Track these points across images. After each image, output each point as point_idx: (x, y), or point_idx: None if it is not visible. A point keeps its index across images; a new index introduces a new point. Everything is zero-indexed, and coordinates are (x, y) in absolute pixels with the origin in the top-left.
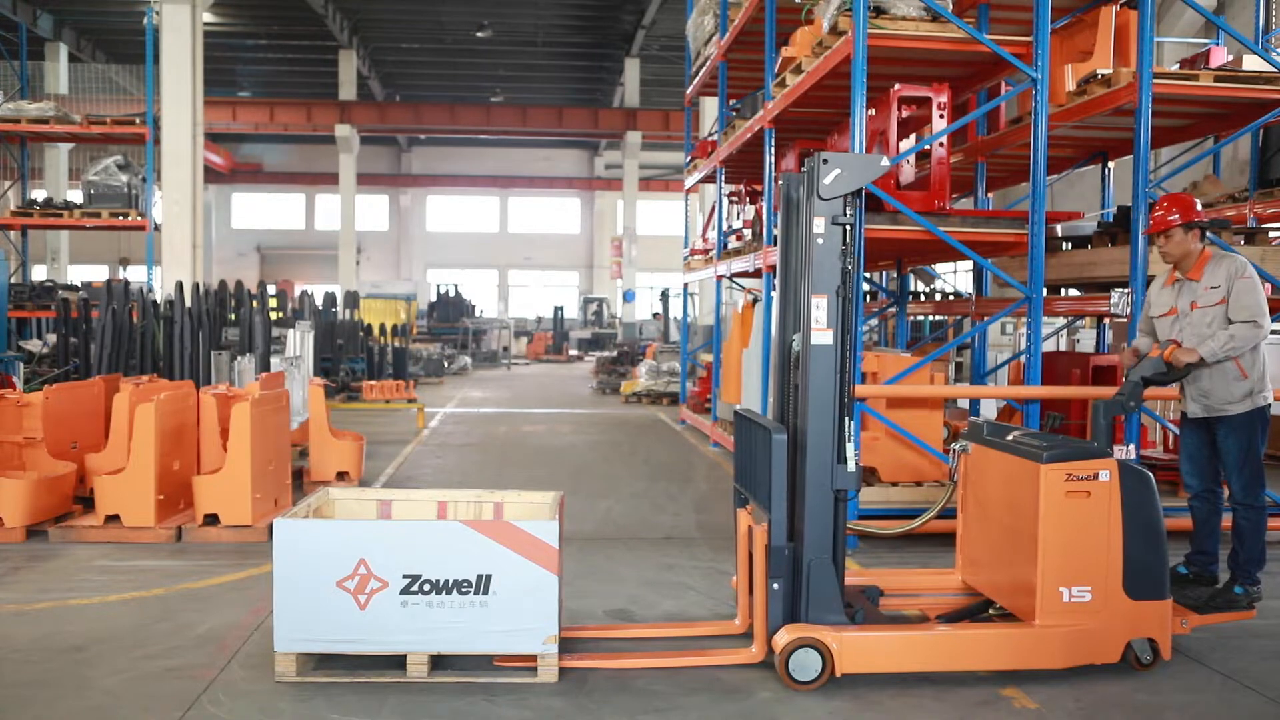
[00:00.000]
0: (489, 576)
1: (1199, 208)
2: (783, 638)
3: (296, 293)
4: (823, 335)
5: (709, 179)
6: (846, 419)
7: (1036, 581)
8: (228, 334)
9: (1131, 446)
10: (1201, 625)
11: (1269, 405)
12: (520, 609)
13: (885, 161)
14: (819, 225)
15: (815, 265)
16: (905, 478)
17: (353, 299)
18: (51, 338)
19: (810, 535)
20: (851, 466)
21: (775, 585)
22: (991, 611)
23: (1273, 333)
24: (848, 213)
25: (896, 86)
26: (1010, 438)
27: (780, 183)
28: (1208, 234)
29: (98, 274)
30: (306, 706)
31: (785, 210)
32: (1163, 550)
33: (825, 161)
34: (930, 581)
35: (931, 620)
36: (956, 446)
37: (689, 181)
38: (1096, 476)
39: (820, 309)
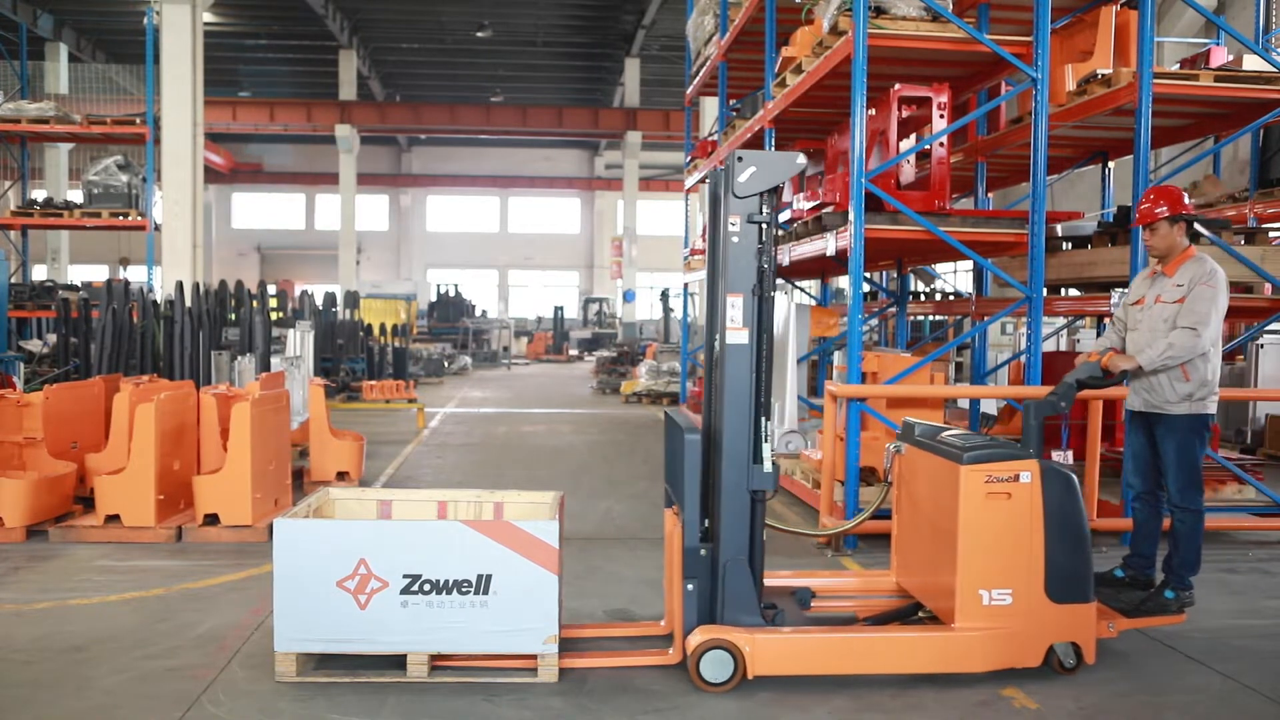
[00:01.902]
0: (489, 576)
1: (1186, 201)
2: (694, 639)
3: (296, 293)
4: (738, 335)
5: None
6: (763, 419)
7: (956, 583)
8: (228, 334)
9: (1069, 452)
10: (1129, 629)
11: (1210, 415)
12: (520, 609)
13: (801, 159)
14: (734, 223)
15: (731, 264)
16: None
17: (353, 299)
18: (51, 338)
19: (726, 536)
20: (768, 467)
21: (690, 586)
22: (921, 614)
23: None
24: (764, 211)
25: (896, 86)
26: (939, 438)
27: (708, 181)
28: (1208, 236)
29: (98, 274)
30: (306, 706)
31: (711, 208)
32: (1086, 553)
33: (740, 159)
34: (865, 584)
35: (859, 622)
36: (891, 447)
37: (689, 181)
38: (1017, 478)
39: (736, 308)
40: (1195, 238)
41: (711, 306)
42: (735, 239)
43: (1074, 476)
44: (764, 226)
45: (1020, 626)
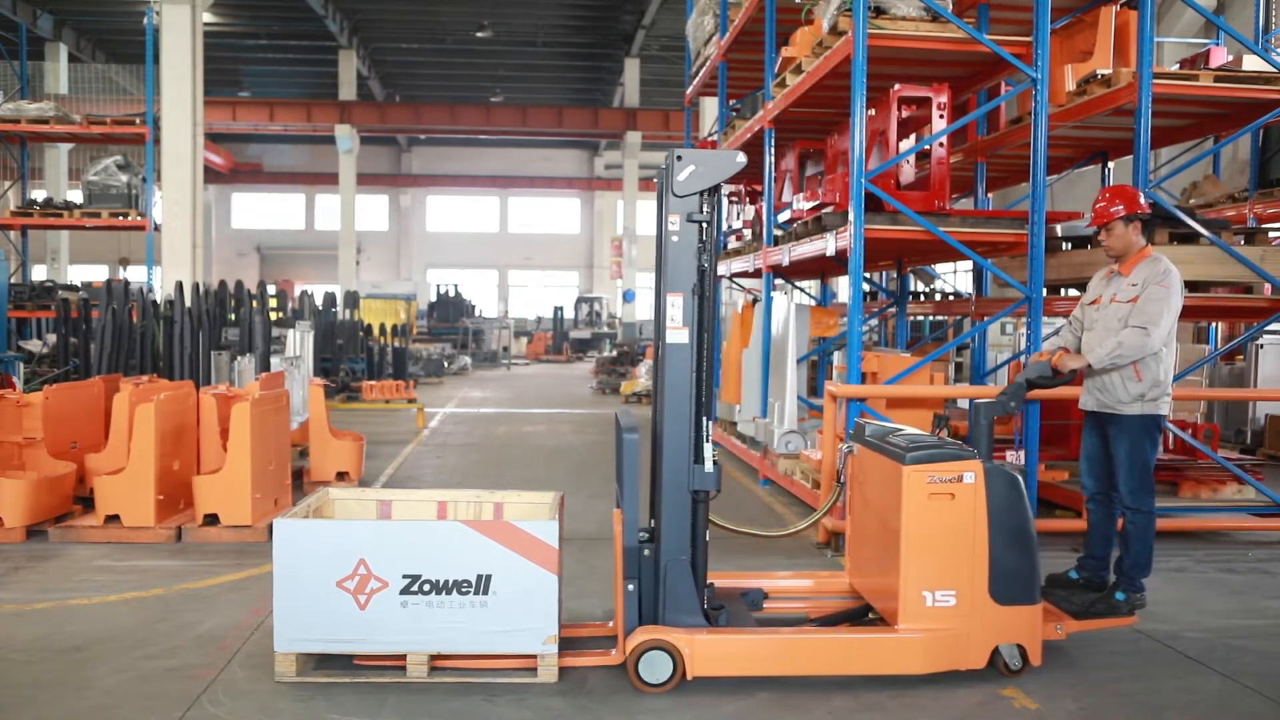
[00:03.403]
0: (489, 576)
1: (1142, 201)
2: (634, 639)
3: (296, 293)
4: (678, 334)
5: None
6: (704, 419)
7: (899, 584)
8: (228, 334)
9: (1022, 453)
10: (1078, 631)
11: (1162, 415)
12: (520, 609)
13: (741, 158)
14: (674, 223)
15: (670, 263)
16: None
17: (353, 299)
18: (51, 338)
19: (668, 536)
20: (709, 467)
21: (630, 586)
22: (871, 616)
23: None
24: (704, 210)
25: (896, 86)
26: (887, 439)
27: (656, 180)
28: (1207, 236)
29: (98, 274)
30: (306, 706)
31: (658, 207)
32: (1032, 554)
33: (679, 158)
34: (819, 585)
35: (809, 623)
36: (844, 448)
37: None
38: (960, 479)
39: (676, 307)
40: (1194, 238)
41: (659, 306)
42: (675, 238)
43: (1019, 477)
44: (704, 226)
45: (964, 628)
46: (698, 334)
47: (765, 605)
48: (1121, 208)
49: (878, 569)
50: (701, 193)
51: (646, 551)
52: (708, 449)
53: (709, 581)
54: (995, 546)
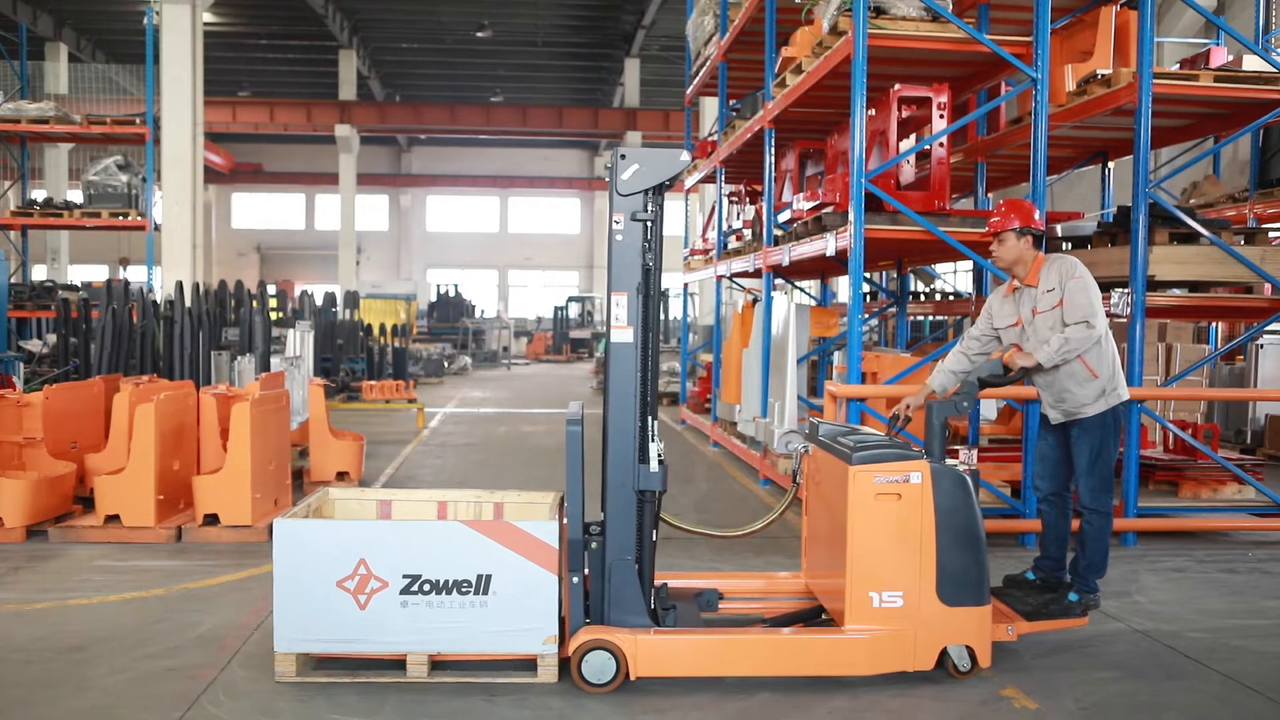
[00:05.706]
0: (489, 576)
1: (1038, 217)
2: (577, 639)
3: (296, 293)
4: (623, 333)
5: (709, 179)
6: (649, 418)
7: (845, 585)
8: (228, 334)
9: (974, 451)
10: (1030, 633)
11: (1123, 402)
12: (520, 609)
13: (685, 157)
14: (618, 221)
15: (615, 262)
16: None
17: (353, 299)
18: (51, 338)
19: (613, 535)
20: (654, 467)
21: (575, 580)
22: (825, 616)
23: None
24: (649, 209)
25: (896, 86)
26: (838, 438)
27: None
28: (1208, 236)
29: (98, 274)
30: (306, 706)
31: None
32: (981, 555)
33: (623, 157)
34: (775, 585)
35: (763, 624)
36: (799, 447)
37: (689, 181)
38: (907, 479)
39: (620, 306)
40: (1194, 238)
41: (608, 306)
42: (619, 237)
43: (967, 478)
44: (648, 225)
45: (911, 629)
46: (643, 333)
47: (721, 606)
48: (1018, 220)
49: (829, 569)
50: (646, 191)
51: (594, 545)
52: (653, 448)
53: (662, 581)
54: (943, 547)
